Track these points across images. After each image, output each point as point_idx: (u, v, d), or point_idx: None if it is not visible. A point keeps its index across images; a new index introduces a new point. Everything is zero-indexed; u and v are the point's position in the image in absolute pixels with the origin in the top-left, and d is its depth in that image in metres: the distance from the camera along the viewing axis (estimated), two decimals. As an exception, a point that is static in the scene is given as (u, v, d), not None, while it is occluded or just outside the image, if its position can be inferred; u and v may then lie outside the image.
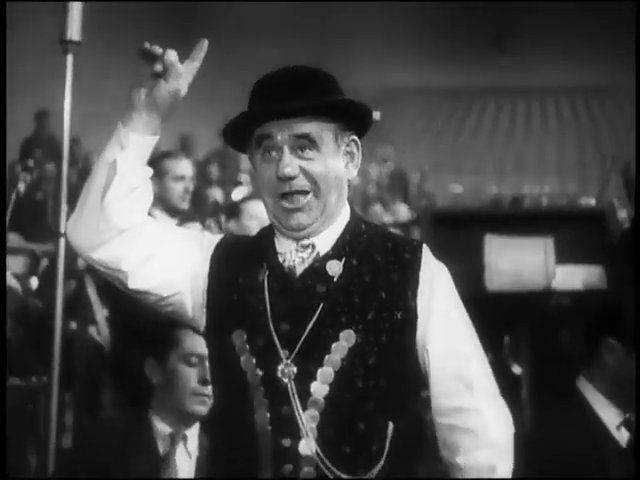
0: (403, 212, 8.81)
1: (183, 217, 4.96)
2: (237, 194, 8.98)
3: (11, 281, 5.51)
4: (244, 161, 11.36)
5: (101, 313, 4.76)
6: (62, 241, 4.36)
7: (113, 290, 4.50)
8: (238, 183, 10.04)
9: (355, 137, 2.02)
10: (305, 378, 1.85)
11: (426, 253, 1.99)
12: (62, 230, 4.36)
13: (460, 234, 4.92)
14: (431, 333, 1.96)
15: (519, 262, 4.78)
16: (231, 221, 5.15)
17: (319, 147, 1.93)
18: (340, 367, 1.86)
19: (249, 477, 1.84)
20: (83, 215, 1.92)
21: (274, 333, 1.87)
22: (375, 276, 1.92)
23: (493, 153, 14.79)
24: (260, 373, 1.87)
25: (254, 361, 1.87)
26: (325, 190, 1.93)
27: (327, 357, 1.86)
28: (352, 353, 1.86)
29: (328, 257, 1.93)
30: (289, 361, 1.86)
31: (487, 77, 14.25)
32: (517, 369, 5.18)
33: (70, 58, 4.36)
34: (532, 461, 2.67)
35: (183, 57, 2.08)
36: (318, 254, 1.94)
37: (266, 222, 5.27)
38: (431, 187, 12.67)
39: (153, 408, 3.10)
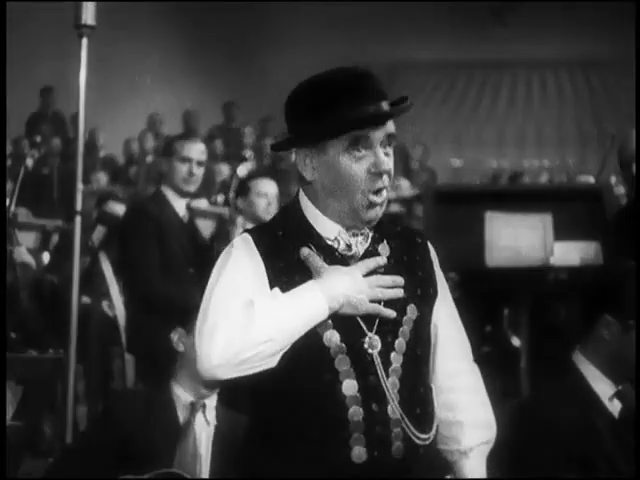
0: (405, 187, 8.90)
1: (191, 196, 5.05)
2: (242, 170, 9.08)
3: (25, 256, 5.66)
4: (248, 136, 11.45)
5: (115, 288, 4.90)
6: (78, 218, 4.52)
7: (129, 267, 4.68)
8: (243, 159, 10.11)
9: None
10: (386, 349, 2.04)
11: (427, 240, 2.22)
12: (78, 208, 4.52)
13: (461, 211, 5.06)
14: (438, 306, 2.19)
15: (518, 238, 4.90)
16: (239, 198, 5.26)
17: (392, 144, 2.11)
18: (409, 338, 2.06)
19: (340, 442, 1.99)
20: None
21: None
22: (408, 256, 2.13)
23: (493, 127, 14.84)
24: (344, 346, 2.02)
25: (338, 336, 2.02)
26: (391, 182, 2.11)
27: (401, 329, 2.06)
28: (415, 325, 2.07)
29: (376, 239, 2.12)
30: (373, 334, 2.03)
31: (487, 51, 14.29)
32: (516, 341, 5.31)
33: (85, 41, 4.49)
34: (528, 429, 2.85)
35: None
36: (369, 237, 2.11)
37: (273, 199, 5.37)
38: (432, 162, 12.73)
39: (175, 378, 3.25)
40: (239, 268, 2.06)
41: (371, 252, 2.09)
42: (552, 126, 14.64)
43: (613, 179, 6.87)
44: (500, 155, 14.41)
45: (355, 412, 1.99)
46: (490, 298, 5.00)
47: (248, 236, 2.11)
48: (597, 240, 4.87)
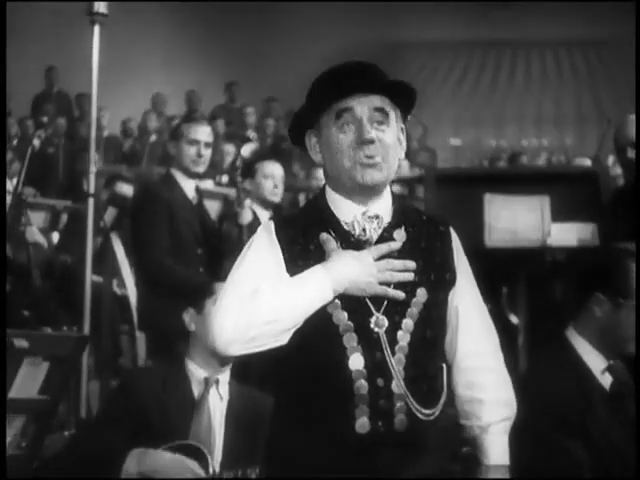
0: (405, 167, 9.03)
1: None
2: (246, 150, 9.22)
3: (37, 236, 5.79)
4: (250, 116, 11.55)
5: (126, 268, 5.03)
6: (91, 201, 4.67)
7: (140, 247, 4.82)
8: (247, 139, 10.22)
9: (404, 126, 2.31)
10: (393, 328, 2.17)
11: (451, 228, 2.35)
12: (91, 190, 4.67)
13: (461, 193, 5.17)
14: (460, 291, 2.32)
15: (517, 220, 5.01)
16: (246, 181, 5.39)
17: (389, 122, 2.22)
18: (417, 319, 2.19)
19: (346, 414, 2.14)
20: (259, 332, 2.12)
21: None
22: (427, 243, 2.26)
23: (493, 107, 14.91)
24: (352, 325, 2.16)
25: (346, 315, 2.17)
26: (391, 158, 2.22)
27: (409, 310, 2.19)
28: (425, 307, 2.20)
29: (392, 226, 2.25)
30: (380, 314, 2.17)
31: (487, 30, 14.35)
32: (514, 319, 5.41)
33: (97, 29, 4.61)
34: (526, 402, 3.01)
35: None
36: (385, 223, 2.24)
37: (279, 181, 5.50)
38: (431, 141, 12.81)
39: (189, 355, 3.41)
40: (257, 255, 2.22)
41: (385, 238, 2.22)
42: (551, 105, 14.72)
43: (611, 159, 6.98)
44: (499, 134, 14.51)
45: (360, 385, 2.13)
46: (489, 277, 5.10)
47: (271, 223, 2.27)
48: (594, 222, 4.99)
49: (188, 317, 3.50)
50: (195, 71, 12.86)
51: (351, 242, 2.22)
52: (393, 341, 2.16)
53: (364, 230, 2.23)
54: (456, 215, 4.89)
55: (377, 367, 2.15)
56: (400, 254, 2.21)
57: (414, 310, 2.20)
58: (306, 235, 2.23)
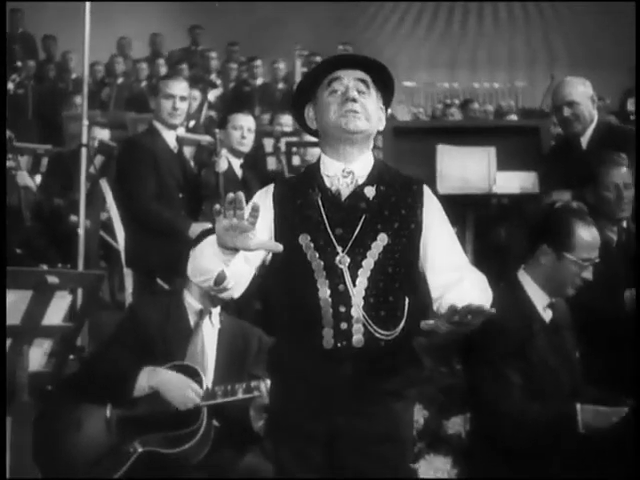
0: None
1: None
2: (211, 95, 9.66)
3: (27, 180, 6.21)
4: (213, 60, 11.84)
5: (115, 210, 5.48)
6: (84, 150, 5.11)
7: (128, 193, 5.28)
8: (213, 85, 10.58)
9: (384, 108, 2.79)
10: (354, 265, 2.63)
11: (425, 187, 2.76)
12: (84, 141, 5.10)
13: (416, 144, 5.64)
14: (430, 238, 2.71)
15: (466, 169, 5.47)
16: (220, 131, 5.85)
17: (370, 93, 2.71)
18: (377, 258, 2.64)
19: (316, 333, 2.64)
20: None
21: (332, 235, 2.66)
22: (397, 198, 2.70)
23: (446, 50, 15.21)
24: (322, 262, 2.66)
25: (317, 254, 2.66)
26: (371, 118, 2.70)
27: (369, 252, 2.66)
28: (385, 249, 2.65)
29: (364, 184, 2.71)
30: (344, 254, 2.65)
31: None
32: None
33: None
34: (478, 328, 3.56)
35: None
36: (357, 181, 2.71)
37: (248, 132, 5.86)
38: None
39: (188, 288, 3.88)
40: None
41: (357, 193, 2.70)
42: (503, 49, 15.08)
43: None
44: (452, 78, 14.87)
45: (326, 311, 2.64)
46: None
47: (272, 185, 2.79)
48: (535, 171, 5.46)
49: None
50: (158, 14, 13.09)
51: (329, 195, 2.70)
52: (355, 276, 2.64)
53: (340, 186, 2.70)
54: (411, 164, 5.39)
55: (340, 296, 2.64)
56: (370, 207, 2.68)
57: (374, 252, 2.65)
58: (297, 192, 2.74)
